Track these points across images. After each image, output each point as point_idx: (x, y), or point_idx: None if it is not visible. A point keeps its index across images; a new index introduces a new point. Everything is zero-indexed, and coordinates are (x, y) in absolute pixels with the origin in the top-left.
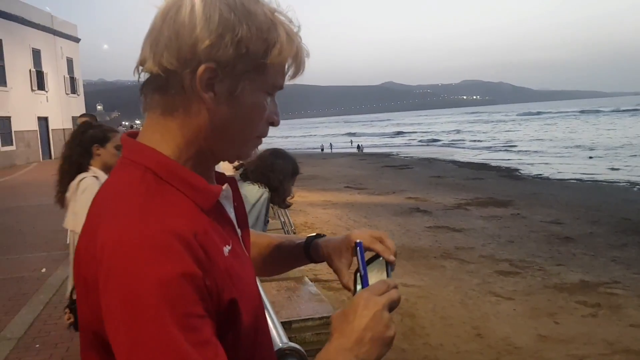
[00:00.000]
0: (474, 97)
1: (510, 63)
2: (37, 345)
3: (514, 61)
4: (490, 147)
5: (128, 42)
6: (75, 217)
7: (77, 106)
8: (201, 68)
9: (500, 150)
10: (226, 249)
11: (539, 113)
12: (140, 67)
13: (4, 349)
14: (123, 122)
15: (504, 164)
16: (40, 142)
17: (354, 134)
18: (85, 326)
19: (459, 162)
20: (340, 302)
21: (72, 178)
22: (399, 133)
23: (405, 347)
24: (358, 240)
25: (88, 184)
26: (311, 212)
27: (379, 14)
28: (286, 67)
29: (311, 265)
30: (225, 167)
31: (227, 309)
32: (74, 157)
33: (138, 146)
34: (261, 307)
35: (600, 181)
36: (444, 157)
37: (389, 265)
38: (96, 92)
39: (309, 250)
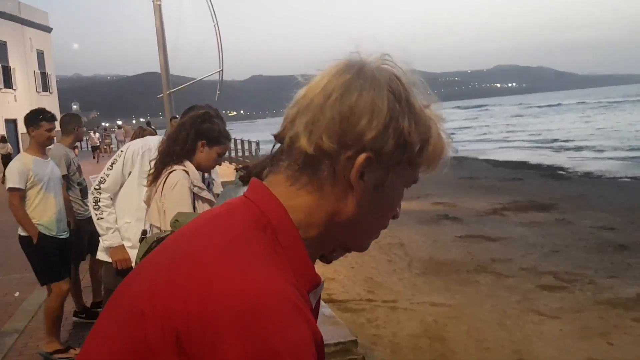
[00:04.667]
0: (509, 84)
1: (551, 45)
2: None
3: (555, 42)
4: (530, 142)
5: (106, 33)
6: (165, 214)
7: (50, 105)
8: (362, 157)
9: (542, 145)
10: None
11: (583, 103)
12: (287, 141)
13: None
14: (103, 123)
15: (546, 161)
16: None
17: None
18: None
19: (493, 160)
20: (358, 325)
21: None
22: None
23: None
24: None
25: (178, 178)
26: None
27: None
28: None
29: (325, 284)
30: (222, 172)
31: None
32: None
33: (270, 197)
34: None
35: None
36: (476, 155)
37: None
38: (71, 89)
39: None
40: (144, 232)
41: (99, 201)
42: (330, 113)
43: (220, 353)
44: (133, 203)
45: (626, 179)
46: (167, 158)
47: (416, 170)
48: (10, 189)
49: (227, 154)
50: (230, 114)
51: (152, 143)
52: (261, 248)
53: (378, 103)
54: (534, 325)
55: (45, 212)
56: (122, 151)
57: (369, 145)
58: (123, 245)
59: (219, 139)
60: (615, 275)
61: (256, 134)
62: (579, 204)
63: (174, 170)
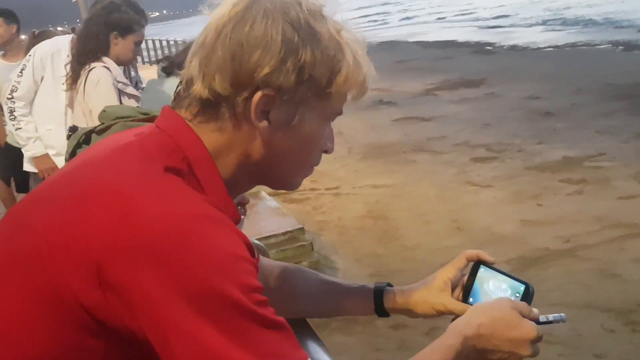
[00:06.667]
0: None
1: None
2: None
3: None
4: (457, 21)
5: None
6: (91, 114)
7: None
8: (257, 95)
9: (469, 24)
10: None
11: None
12: (184, 84)
13: None
14: (23, 37)
15: (473, 38)
16: None
17: None
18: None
19: (423, 42)
20: (304, 214)
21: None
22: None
23: (380, 252)
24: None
25: (100, 75)
26: None
27: None
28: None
29: None
30: (148, 76)
31: None
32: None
33: (185, 129)
34: None
35: (580, 45)
36: (406, 39)
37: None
38: None
39: (381, 296)
40: (72, 129)
41: (14, 111)
42: (222, 52)
43: (147, 277)
44: (51, 108)
45: (550, 49)
46: (82, 57)
47: (330, 102)
48: None
49: (149, 57)
50: (152, 15)
51: (61, 43)
52: (177, 179)
53: (271, 35)
54: (470, 196)
55: None
56: (30, 55)
57: (266, 83)
58: (47, 153)
59: (131, 27)
60: (543, 141)
61: (181, 34)
62: (507, 77)
63: (94, 67)
